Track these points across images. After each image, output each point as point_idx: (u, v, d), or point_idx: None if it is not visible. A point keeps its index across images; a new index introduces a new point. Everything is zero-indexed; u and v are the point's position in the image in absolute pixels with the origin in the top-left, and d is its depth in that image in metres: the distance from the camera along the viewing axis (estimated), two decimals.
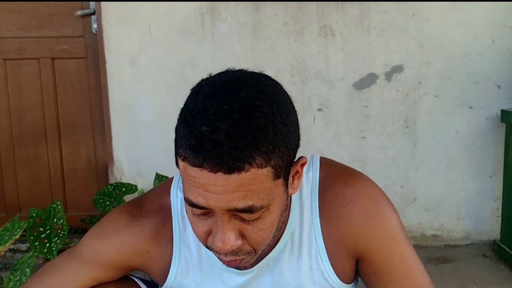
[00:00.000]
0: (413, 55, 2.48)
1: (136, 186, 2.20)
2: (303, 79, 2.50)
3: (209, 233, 0.77)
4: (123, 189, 2.13)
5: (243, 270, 0.83)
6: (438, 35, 2.46)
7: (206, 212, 0.75)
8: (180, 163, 0.73)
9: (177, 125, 0.75)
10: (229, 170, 0.68)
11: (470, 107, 2.50)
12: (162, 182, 1.01)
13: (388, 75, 2.50)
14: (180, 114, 0.75)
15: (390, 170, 2.57)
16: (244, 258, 0.79)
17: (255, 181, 0.70)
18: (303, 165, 0.81)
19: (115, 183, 2.18)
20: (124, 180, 2.58)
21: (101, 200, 2.08)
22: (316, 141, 2.53)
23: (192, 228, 0.80)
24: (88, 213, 2.41)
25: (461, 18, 2.44)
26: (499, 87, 2.48)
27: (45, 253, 1.85)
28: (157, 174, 2.18)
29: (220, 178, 0.68)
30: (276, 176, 0.73)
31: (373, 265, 0.90)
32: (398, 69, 2.49)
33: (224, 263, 0.81)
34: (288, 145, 0.73)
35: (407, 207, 2.59)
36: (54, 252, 1.85)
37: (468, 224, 2.61)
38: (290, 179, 0.79)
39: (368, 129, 2.55)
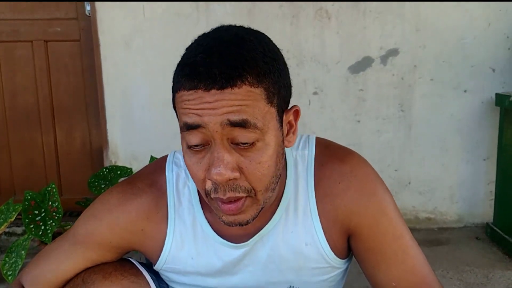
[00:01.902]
0: (408, 38, 2.47)
1: (131, 169, 2.19)
2: (298, 63, 2.50)
3: (207, 172, 0.77)
4: (118, 172, 2.13)
5: (244, 225, 0.81)
6: (434, 19, 2.45)
7: (203, 142, 0.76)
8: (177, 96, 0.77)
9: (173, 75, 0.80)
10: (222, 86, 0.72)
11: (465, 91, 2.51)
12: (155, 161, 1.02)
13: (384, 59, 2.49)
14: (176, 67, 0.80)
15: (385, 154, 2.58)
16: (244, 199, 0.78)
17: (248, 97, 0.73)
18: (296, 113, 0.85)
19: (110, 166, 2.17)
20: (119, 164, 2.58)
21: (96, 183, 2.07)
22: (311, 124, 2.53)
23: (191, 174, 0.80)
24: (83, 196, 2.41)
25: (457, 1, 2.43)
26: (494, 70, 2.48)
27: (40, 236, 1.85)
28: (152, 157, 2.18)
29: (214, 94, 0.72)
30: (269, 101, 0.76)
31: (365, 242, 0.90)
32: (394, 52, 2.49)
33: (223, 210, 0.79)
34: (279, 77, 0.78)
35: (401, 190, 2.61)
36: (49, 235, 1.85)
37: (462, 207, 2.63)
38: (285, 128, 0.82)
39: (363, 113, 2.55)
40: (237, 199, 0.78)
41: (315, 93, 2.53)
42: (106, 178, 2.09)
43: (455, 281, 2.01)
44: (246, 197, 0.78)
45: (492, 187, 2.54)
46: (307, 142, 0.95)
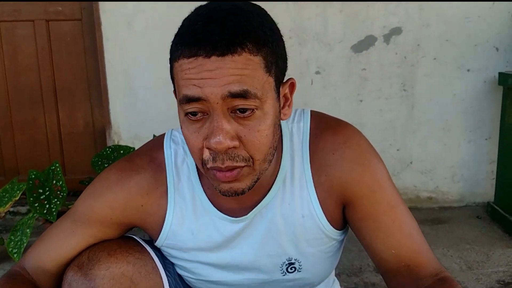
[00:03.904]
0: (412, 17, 2.45)
1: (134, 148, 2.20)
2: (301, 42, 2.48)
3: (205, 141, 0.77)
4: (121, 151, 2.14)
5: (240, 194, 0.82)
6: None
7: (201, 111, 0.76)
8: (176, 66, 0.77)
9: (171, 45, 0.80)
10: (222, 53, 0.72)
11: (468, 70, 2.50)
12: (152, 139, 1.02)
13: (387, 38, 2.48)
14: (174, 37, 0.80)
15: (387, 133, 2.58)
16: (242, 168, 0.78)
17: (248, 66, 0.73)
18: (292, 86, 0.86)
19: (113, 145, 2.18)
20: (122, 143, 2.59)
21: (99, 163, 2.09)
22: (313, 104, 2.53)
23: (189, 144, 0.80)
24: (86, 176, 2.43)
25: None
26: (497, 49, 2.47)
27: (45, 214, 1.87)
28: (154, 136, 2.19)
29: (214, 61, 0.72)
30: (268, 70, 0.77)
31: (360, 211, 0.91)
32: (397, 31, 2.47)
33: (219, 178, 0.79)
34: (276, 47, 0.79)
35: (403, 170, 2.62)
36: (54, 213, 1.87)
37: (463, 187, 2.64)
38: (281, 100, 0.83)
39: (366, 92, 2.54)
40: (234, 168, 0.78)
41: (317, 73, 2.52)
42: (109, 158, 2.11)
43: (455, 259, 2.03)
44: (243, 166, 0.78)
45: (494, 167, 2.55)
46: (302, 115, 0.96)
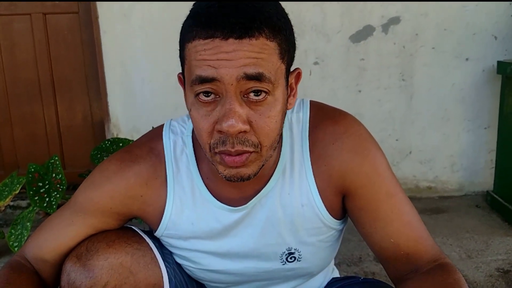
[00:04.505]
0: (410, 6, 2.45)
1: (133, 141, 2.20)
2: (299, 33, 2.45)
3: (215, 125, 0.77)
4: (120, 144, 2.13)
5: (246, 180, 0.81)
6: None
7: (214, 92, 0.75)
8: (190, 47, 0.76)
9: (182, 27, 0.79)
10: (240, 36, 0.72)
11: (467, 59, 2.49)
12: (152, 130, 1.02)
13: (385, 27, 2.47)
14: (186, 19, 0.79)
15: (386, 123, 2.58)
16: (250, 154, 0.78)
17: (264, 50, 0.74)
18: (298, 76, 0.86)
19: (112, 138, 2.18)
20: (121, 136, 2.59)
21: (99, 156, 2.09)
22: (312, 95, 2.53)
23: (197, 127, 0.79)
24: (86, 169, 2.43)
25: None
26: (496, 38, 2.46)
27: (45, 207, 1.87)
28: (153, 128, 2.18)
29: (231, 44, 0.72)
30: (281, 57, 0.77)
31: (360, 201, 0.91)
32: (395, 21, 2.46)
33: (227, 162, 0.79)
34: (290, 35, 0.79)
35: (402, 160, 2.62)
36: (54, 207, 1.87)
37: (462, 176, 2.64)
38: (288, 90, 0.83)
39: (364, 83, 2.54)
40: (243, 153, 0.78)
41: (316, 63, 2.51)
42: (108, 151, 2.11)
43: (455, 248, 2.04)
44: (252, 152, 0.78)
45: (493, 156, 2.55)
46: (301, 105, 0.96)
